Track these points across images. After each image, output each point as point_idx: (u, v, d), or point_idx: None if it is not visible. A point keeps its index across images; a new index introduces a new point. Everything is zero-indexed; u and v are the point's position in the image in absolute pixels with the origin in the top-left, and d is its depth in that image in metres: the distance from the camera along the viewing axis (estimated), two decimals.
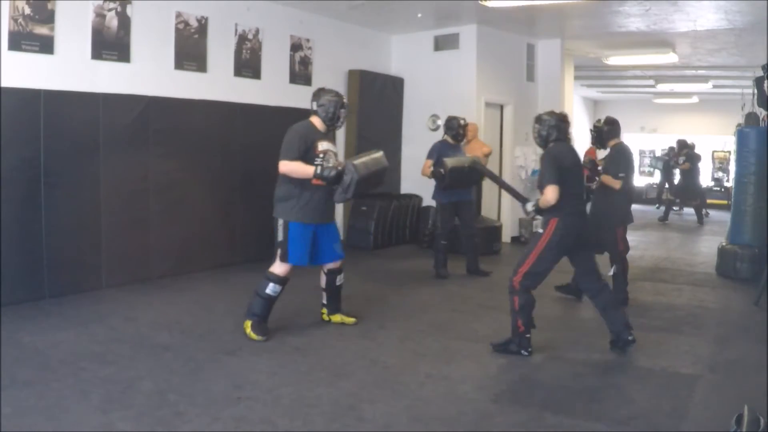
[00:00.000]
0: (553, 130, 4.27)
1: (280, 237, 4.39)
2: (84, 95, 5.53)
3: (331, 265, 4.65)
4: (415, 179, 9.05)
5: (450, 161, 6.07)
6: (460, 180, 6.22)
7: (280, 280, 4.41)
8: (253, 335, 4.35)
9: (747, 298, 5.92)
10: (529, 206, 4.26)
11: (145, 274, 6.05)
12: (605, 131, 5.49)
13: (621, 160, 5.40)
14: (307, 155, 4.32)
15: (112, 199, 5.76)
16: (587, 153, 7.90)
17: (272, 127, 7.27)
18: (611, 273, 5.49)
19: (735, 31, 8.36)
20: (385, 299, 5.62)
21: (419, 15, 8.07)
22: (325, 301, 4.80)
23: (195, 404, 3.29)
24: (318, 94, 4.53)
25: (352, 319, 4.80)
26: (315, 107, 4.49)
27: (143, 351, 4.11)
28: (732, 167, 9.21)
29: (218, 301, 5.46)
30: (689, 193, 12.84)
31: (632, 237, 10.24)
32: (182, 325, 4.72)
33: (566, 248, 4.15)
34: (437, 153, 6.51)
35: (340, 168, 4.26)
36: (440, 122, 8.90)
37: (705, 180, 15.91)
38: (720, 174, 16.18)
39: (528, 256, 4.11)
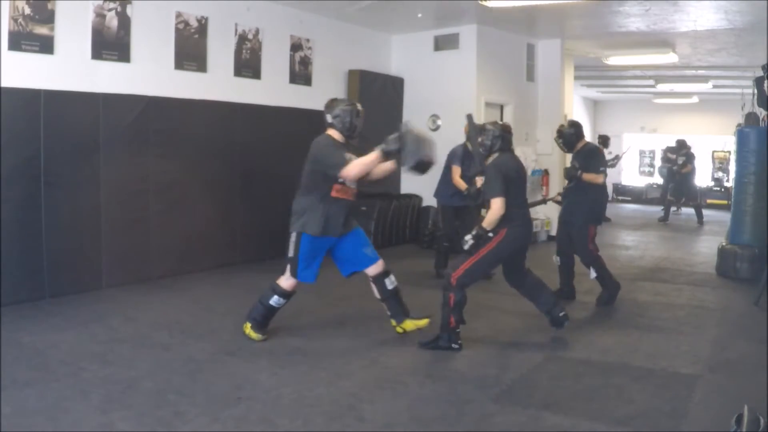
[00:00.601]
0: (497, 140, 4.35)
1: (290, 252, 4.28)
2: (84, 95, 5.53)
3: (372, 271, 4.42)
4: (415, 179, 9.05)
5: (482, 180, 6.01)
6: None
7: (286, 294, 4.35)
8: (253, 334, 4.35)
9: (747, 298, 5.92)
10: (468, 238, 4.17)
11: (145, 274, 6.05)
12: (571, 134, 5.55)
13: (597, 157, 5.46)
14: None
15: (112, 199, 5.76)
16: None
17: (272, 127, 7.33)
18: (592, 276, 5.50)
19: (735, 31, 8.35)
20: None
21: (419, 15, 8.07)
22: (389, 312, 4.51)
23: (195, 404, 3.29)
24: (331, 105, 4.34)
25: (425, 321, 4.48)
26: (330, 119, 4.30)
27: (143, 351, 4.11)
28: (732, 167, 9.21)
29: (218, 301, 5.47)
30: (689, 193, 12.86)
31: (632, 237, 10.30)
32: (182, 325, 4.72)
33: (509, 256, 4.36)
34: (460, 159, 6.32)
35: (396, 134, 4.06)
36: (440, 122, 8.91)
37: (705, 180, 15.94)
38: (720, 174, 16.17)
39: (470, 258, 4.18)
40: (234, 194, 6.98)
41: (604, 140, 13.36)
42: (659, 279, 6.91)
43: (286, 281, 4.34)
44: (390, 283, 4.44)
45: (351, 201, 4.32)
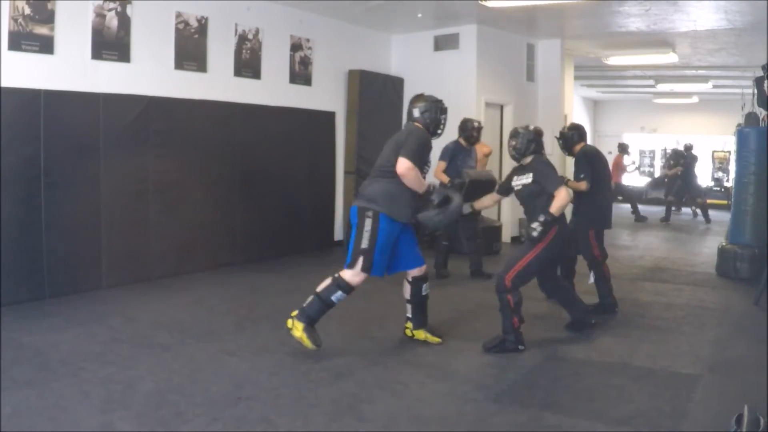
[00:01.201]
0: (531, 143, 4.43)
1: (365, 244, 3.96)
2: (84, 95, 5.53)
3: (415, 272, 4.27)
4: None
5: (472, 173, 6.05)
6: (477, 192, 6.21)
7: (350, 289, 4.04)
8: (307, 342, 3.95)
9: (747, 298, 5.92)
10: (536, 225, 4.20)
11: (145, 274, 6.05)
12: (571, 136, 5.48)
13: (582, 163, 5.32)
14: (424, 162, 4.13)
15: (112, 199, 5.76)
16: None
17: (272, 127, 7.33)
18: (591, 281, 5.42)
19: (735, 31, 8.36)
20: (385, 299, 5.62)
21: (419, 15, 8.07)
22: (410, 314, 4.39)
23: (195, 404, 3.29)
24: (419, 99, 4.28)
25: (437, 339, 4.37)
26: (417, 114, 4.20)
27: (143, 351, 4.11)
28: (732, 167, 9.20)
29: (218, 301, 5.46)
30: (693, 192, 12.88)
31: (632, 237, 10.29)
32: (182, 325, 4.71)
33: (556, 254, 4.42)
34: (450, 154, 6.43)
35: (446, 195, 4.15)
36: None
37: (705, 180, 15.94)
38: (720, 174, 16.18)
39: (524, 257, 4.22)
40: (234, 194, 6.99)
41: (623, 148, 13.32)
42: (659, 279, 6.91)
43: (356, 276, 3.99)
44: (426, 289, 4.33)
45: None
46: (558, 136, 5.64)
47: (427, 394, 3.53)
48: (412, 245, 4.26)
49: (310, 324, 4.01)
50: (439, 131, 4.27)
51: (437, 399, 3.47)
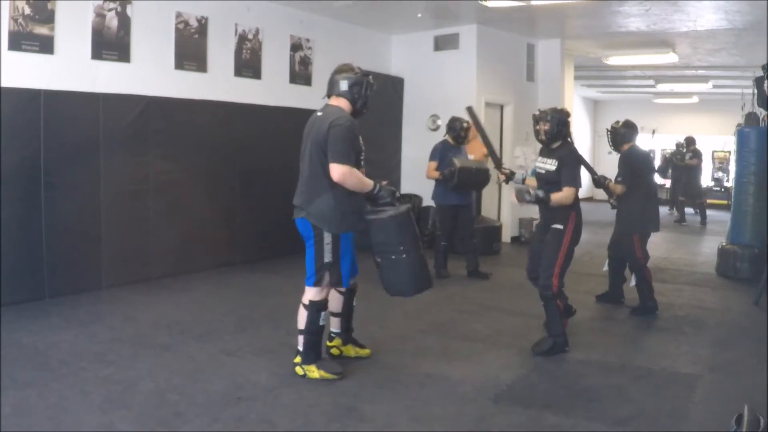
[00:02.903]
0: (563, 126, 4.27)
1: (328, 257, 3.58)
2: (84, 95, 5.53)
3: (351, 282, 3.91)
4: (415, 179, 9.06)
5: (459, 161, 6.10)
6: (468, 181, 6.24)
7: (326, 305, 3.74)
8: (329, 375, 3.65)
9: (747, 298, 5.92)
10: (529, 195, 4.10)
11: (145, 274, 6.05)
12: (621, 134, 5.37)
13: (625, 166, 5.27)
14: (357, 154, 3.66)
15: (112, 199, 5.76)
16: None
17: (272, 127, 7.32)
18: (632, 284, 5.39)
19: (735, 31, 8.35)
20: (385, 299, 5.60)
21: (419, 15, 8.06)
22: (337, 330, 4.01)
23: (195, 404, 3.29)
24: (347, 70, 3.73)
25: (366, 351, 4.08)
26: (344, 87, 3.68)
27: (143, 351, 4.11)
28: (732, 167, 9.20)
29: (218, 301, 5.47)
30: (693, 191, 12.69)
31: None
32: (182, 325, 4.71)
33: (577, 240, 4.29)
34: (440, 154, 6.53)
35: (393, 189, 3.71)
36: (440, 122, 8.90)
37: (705, 180, 15.90)
38: (720, 174, 16.17)
39: (557, 256, 4.15)
40: (234, 194, 6.98)
41: (690, 141, 12.83)
42: (659, 279, 6.89)
43: (320, 293, 3.67)
44: (354, 300, 4.04)
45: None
46: (609, 129, 5.51)
47: (427, 394, 3.53)
48: (352, 254, 3.80)
49: (318, 358, 3.75)
50: (364, 112, 3.79)
51: (437, 399, 3.47)
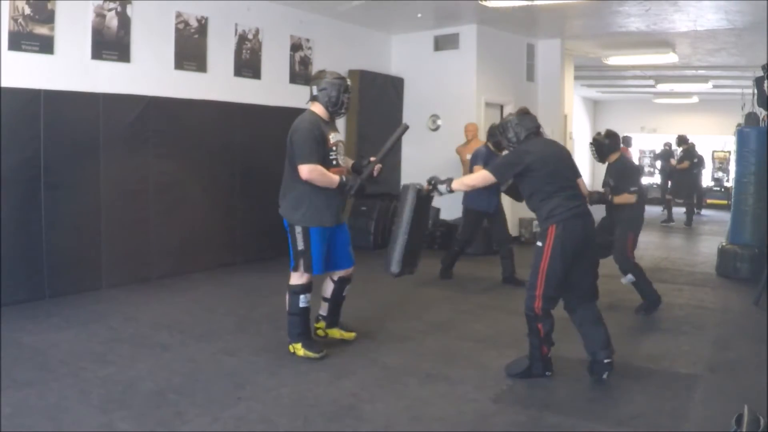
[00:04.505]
0: (519, 128, 3.93)
1: (300, 246, 3.99)
2: (84, 95, 5.53)
3: (343, 273, 4.24)
4: (415, 179, 9.03)
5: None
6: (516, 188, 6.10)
7: (307, 288, 4.06)
8: (310, 353, 4.00)
9: (747, 298, 5.92)
10: (443, 188, 4.00)
11: (145, 274, 6.05)
12: (606, 145, 5.38)
13: (629, 174, 5.37)
14: (323, 152, 3.96)
15: (112, 199, 5.76)
16: None
17: (272, 127, 7.29)
18: (626, 281, 5.42)
19: (735, 31, 8.36)
20: (385, 299, 5.62)
21: (419, 15, 8.07)
22: (324, 313, 4.35)
23: (195, 404, 3.29)
24: (318, 76, 4.09)
25: (351, 334, 4.39)
26: (315, 92, 4.05)
27: (143, 351, 4.11)
28: (732, 167, 9.20)
29: (218, 301, 5.47)
30: (689, 191, 12.67)
31: None
32: (182, 325, 4.71)
33: (572, 252, 3.67)
34: (485, 159, 6.16)
35: (360, 181, 4.03)
36: (440, 122, 8.92)
37: (705, 180, 15.90)
38: (720, 174, 16.17)
39: (537, 272, 3.68)
40: (234, 194, 6.98)
41: (627, 141, 13.02)
42: (659, 279, 6.89)
43: (300, 277, 4.05)
44: (347, 290, 4.34)
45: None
46: (591, 142, 5.52)
47: (427, 394, 3.53)
48: (345, 245, 4.19)
49: (307, 337, 4.08)
50: (341, 111, 4.09)
51: (437, 399, 3.47)
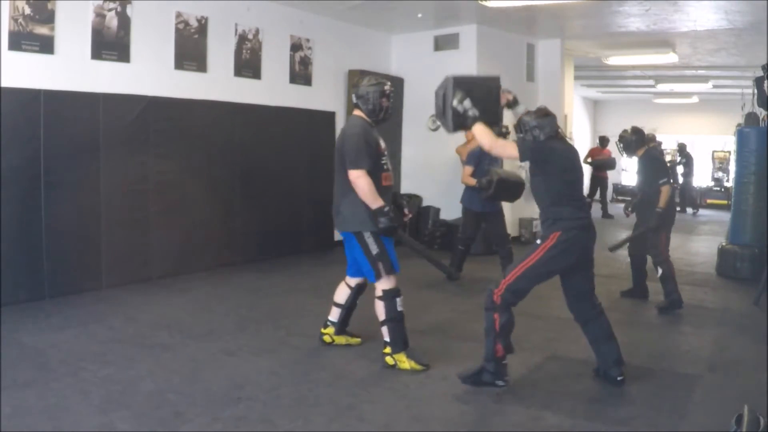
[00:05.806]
0: (536, 129, 3.80)
1: (375, 249, 3.85)
2: (84, 95, 5.53)
3: (362, 281, 4.19)
4: (416, 179, 9.08)
5: (499, 172, 6.03)
6: (504, 193, 6.15)
7: (398, 291, 3.93)
8: (417, 366, 3.84)
9: (747, 298, 5.91)
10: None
11: (145, 274, 6.05)
12: (633, 140, 5.61)
13: (657, 166, 5.57)
14: (375, 156, 3.86)
15: (112, 199, 5.76)
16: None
17: (272, 127, 7.33)
18: (658, 275, 5.52)
19: (735, 31, 8.36)
20: None
21: (419, 15, 8.07)
22: (334, 319, 4.26)
23: (195, 404, 3.29)
24: (356, 83, 4.00)
25: (357, 340, 4.31)
26: (354, 100, 3.95)
27: (143, 351, 4.11)
28: (732, 167, 9.20)
29: (218, 301, 5.47)
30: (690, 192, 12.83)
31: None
32: (182, 325, 4.71)
33: (564, 266, 3.58)
34: (476, 160, 6.29)
35: (397, 226, 3.89)
36: (440, 122, 8.89)
37: (705, 180, 15.92)
38: (720, 174, 16.17)
39: (519, 265, 3.53)
40: (234, 194, 6.98)
41: (602, 141, 13.39)
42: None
43: (388, 282, 3.90)
44: (359, 298, 4.28)
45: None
46: (618, 140, 5.76)
47: (427, 394, 3.53)
48: (391, 249, 4.02)
49: (407, 345, 3.92)
50: (383, 117, 3.98)
51: (437, 399, 3.47)
